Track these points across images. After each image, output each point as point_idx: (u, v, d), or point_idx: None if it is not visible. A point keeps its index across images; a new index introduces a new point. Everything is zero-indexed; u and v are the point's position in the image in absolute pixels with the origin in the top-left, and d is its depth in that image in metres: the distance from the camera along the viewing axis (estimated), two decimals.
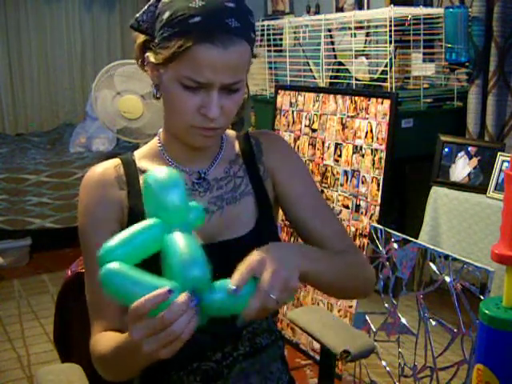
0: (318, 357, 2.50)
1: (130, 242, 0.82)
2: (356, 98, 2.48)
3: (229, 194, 1.09)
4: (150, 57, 0.99)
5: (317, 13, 3.90)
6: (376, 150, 2.37)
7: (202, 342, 1.03)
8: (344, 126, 2.53)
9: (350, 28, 2.87)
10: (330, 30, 3.17)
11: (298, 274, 0.85)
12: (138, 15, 1.02)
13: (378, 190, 2.35)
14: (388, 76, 2.55)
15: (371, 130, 2.40)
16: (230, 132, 1.17)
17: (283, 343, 1.17)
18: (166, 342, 0.76)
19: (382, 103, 2.36)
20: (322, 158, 2.63)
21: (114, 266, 0.77)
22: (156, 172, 0.86)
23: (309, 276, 0.91)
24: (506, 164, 2.23)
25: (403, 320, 1.86)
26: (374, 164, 2.38)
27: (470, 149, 2.40)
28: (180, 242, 0.81)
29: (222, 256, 0.94)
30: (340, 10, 3.71)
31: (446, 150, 2.46)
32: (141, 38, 1.03)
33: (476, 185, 2.35)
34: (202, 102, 0.95)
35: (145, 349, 0.77)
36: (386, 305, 1.91)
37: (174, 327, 0.75)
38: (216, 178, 1.10)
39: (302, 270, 0.87)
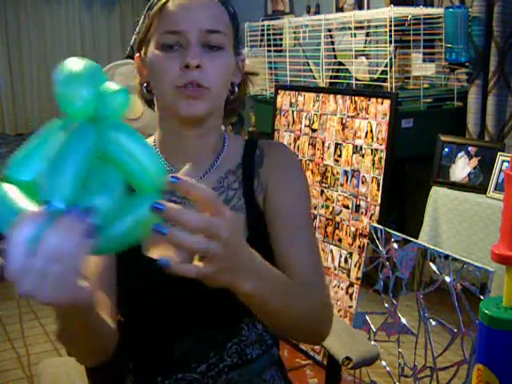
0: (318, 357, 2.50)
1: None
2: (356, 98, 2.48)
3: None
4: (136, 55, 1.02)
5: (317, 13, 3.90)
6: (376, 149, 2.37)
7: (184, 351, 1.02)
8: (344, 126, 2.53)
9: (350, 28, 2.87)
10: (330, 30, 3.17)
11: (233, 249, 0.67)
12: (131, 44, 1.04)
13: (378, 190, 2.35)
14: (388, 76, 2.55)
15: (371, 130, 2.40)
16: (239, 140, 1.10)
17: (278, 349, 1.12)
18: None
19: (382, 103, 2.36)
20: (322, 158, 2.63)
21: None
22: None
23: (255, 294, 0.74)
24: (505, 164, 2.23)
25: (403, 320, 1.86)
26: (374, 164, 2.38)
27: (470, 149, 2.40)
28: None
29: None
30: (340, 10, 3.71)
31: (446, 149, 2.46)
32: (135, 57, 1.04)
33: (476, 185, 2.35)
34: (182, 57, 0.94)
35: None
36: (386, 305, 1.91)
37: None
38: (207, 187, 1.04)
39: (249, 285, 0.72)
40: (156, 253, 0.99)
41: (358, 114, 2.46)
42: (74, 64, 0.68)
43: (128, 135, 0.67)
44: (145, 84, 1.02)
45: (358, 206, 2.44)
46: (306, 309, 0.88)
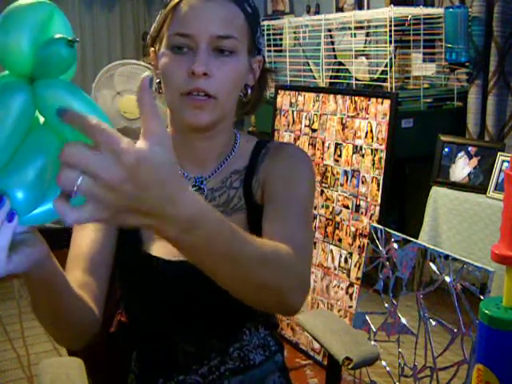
0: (318, 357, 2.50)
1: None
2: (356, 98, 2.48)
3: (221, 207, 1.01)
4: (151, 49, 1.01)
5: (317, 13, 3.90)
6: (376, 149, 2.37)
7: (186, 352, 1.01)
8: (344, 126, 2.53)
9: (350, 28, 2.87)
10: (330, 30, 3.17)
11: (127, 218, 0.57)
12: (148, 37, 1.03)
13: (378, 190, 2.35)
14: (388, 76, 2.55)
15: (371, 130, 2.40)
16: (251, 141, 1.08)
17: (282, 356, 1.11)
18: None
19: (382, 103, 2.36)
20: (322, 158, 2.63)
21: None
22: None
23: (183, 242, 0.62)
24: (505, 164, 2.23)
25: (403, 320, 1.86)
26: (374, 164, 2.38)
27: (470, 149, 2.40)
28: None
29: (204, 277, 0.72)
30: (340, 10, 3.71)
31: (446, 149, 2.46)
32: (150, 52, 1.03)
33: (476, 185, 2.35)
34: (190, 62, 0.92)
35: None
36: (386, 305, 1.91)
37: None
38: (212, 188, 1.03)
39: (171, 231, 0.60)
40: (156, 250, 0.99)
41: (358, 114, 2.46)
42: (19, 6, 0.57)
43: (69, 94, 0.57)
44: (158, 80, 1.00)
45: (358, 206, 2.44)
46: (271, 274, 0.75)
